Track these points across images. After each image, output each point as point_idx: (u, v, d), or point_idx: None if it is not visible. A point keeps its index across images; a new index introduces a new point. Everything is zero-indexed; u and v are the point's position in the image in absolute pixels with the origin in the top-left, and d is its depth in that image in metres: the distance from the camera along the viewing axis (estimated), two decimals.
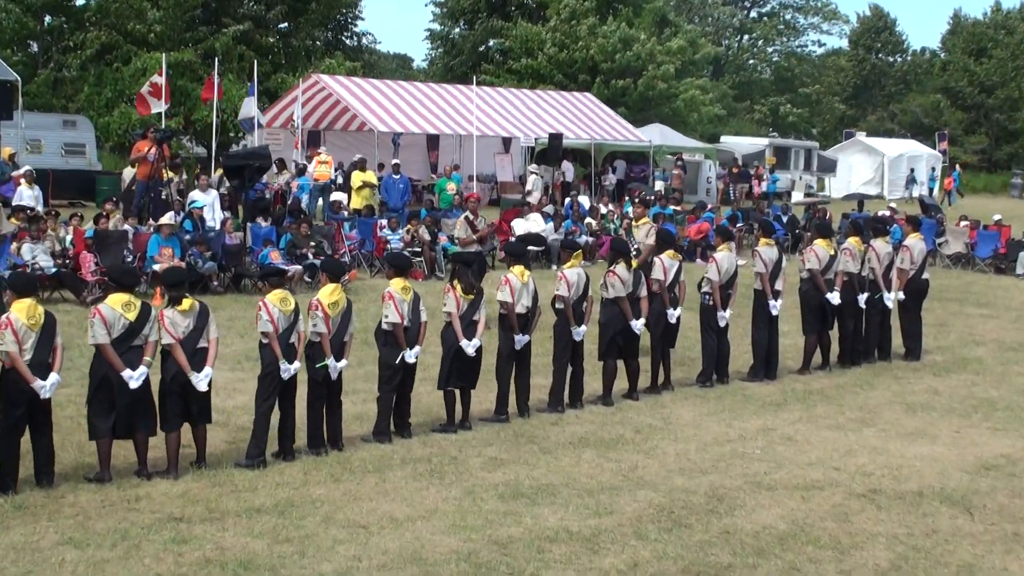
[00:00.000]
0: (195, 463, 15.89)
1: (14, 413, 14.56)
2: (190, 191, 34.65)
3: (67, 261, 27.76)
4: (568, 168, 54.94)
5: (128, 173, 36.58)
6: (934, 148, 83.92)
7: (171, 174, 35.22)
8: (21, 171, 35.66)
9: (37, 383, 14.49)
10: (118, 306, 15.07)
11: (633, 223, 25.06)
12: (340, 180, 43.29)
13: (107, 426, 15.01)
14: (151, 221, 30.78)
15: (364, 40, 76.46)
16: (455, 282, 18.24)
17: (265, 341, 16.22)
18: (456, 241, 28.24)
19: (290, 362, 16.21)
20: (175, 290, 15.81)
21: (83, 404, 15.72)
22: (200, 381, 15.57)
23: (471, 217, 27.68)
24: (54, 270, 27.08)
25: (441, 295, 18.60)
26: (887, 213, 38.53)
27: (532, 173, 48.73)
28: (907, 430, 19.37)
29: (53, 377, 14.69)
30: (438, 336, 18.34)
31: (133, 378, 14.93)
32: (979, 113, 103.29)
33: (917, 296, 24.94)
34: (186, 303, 15.66)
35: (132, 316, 15.05)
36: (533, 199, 44.78)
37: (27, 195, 32.76)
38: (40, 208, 32.03)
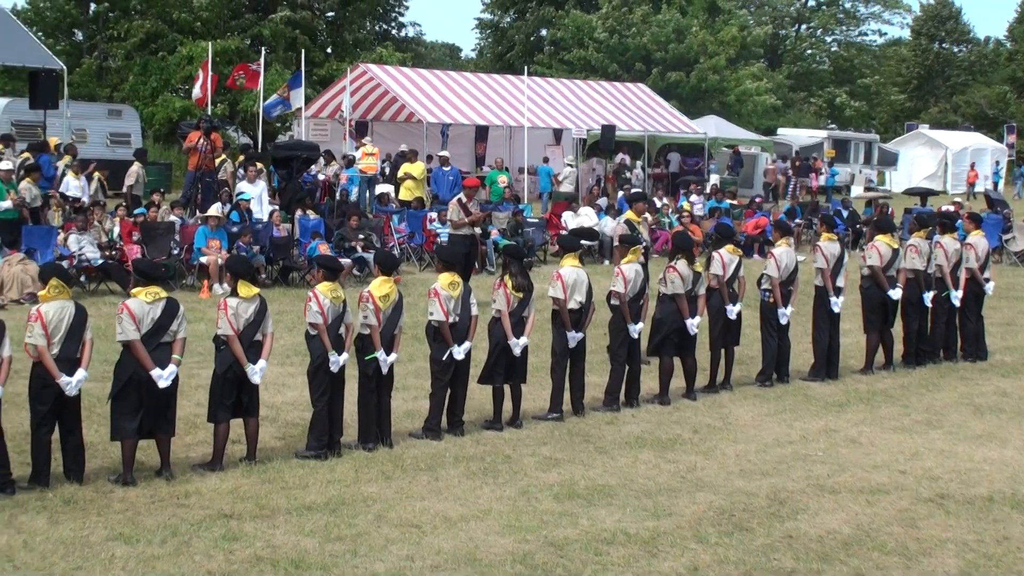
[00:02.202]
0: (245, 459, 15.95)
1: (40, 409, 14.65)
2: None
3: (113, 252, 27.89)
4: (624, 160, 54.81)
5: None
6: (999, 141, 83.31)
7: (224, 158, 35.46)
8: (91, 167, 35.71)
9: (63, 379, 14.53)
10: (147, 299, 15.11)
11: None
12: (387, 171, 43.39)
13: (132, 427, 14.99)
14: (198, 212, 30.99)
15: (412, 30, 76.53)
16: (506, 278, 18.22)
17: (313, 332, 16.31)
18: (449, 224, 28.17)
19: (338, 354, 16.27)
20: (241, 279, 15.82)
21: None
22: (255, 374, 15.64)
23: (464, 200, 27.61)
24: (100, 261, 27.23)
25: (491, 290, 18.59)
26: (951, 208, 38.28)
27: (567, 165, 48.75)
28: (975, 433, 19.21)
29: (80, 374, 14.73)
30: (486, 330, 18.37)
31: (163, 377, 14.94)
32: None
33: (977, 296, 24.75)
34: (250, 291, 15.73)
35: (158, 312, 15.08)
36: (563, 189, 44.88)
37: (74, 185, 32.88)
38: (86, 198, 32.14)
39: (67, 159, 34.59)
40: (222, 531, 13.43)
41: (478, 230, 28.18)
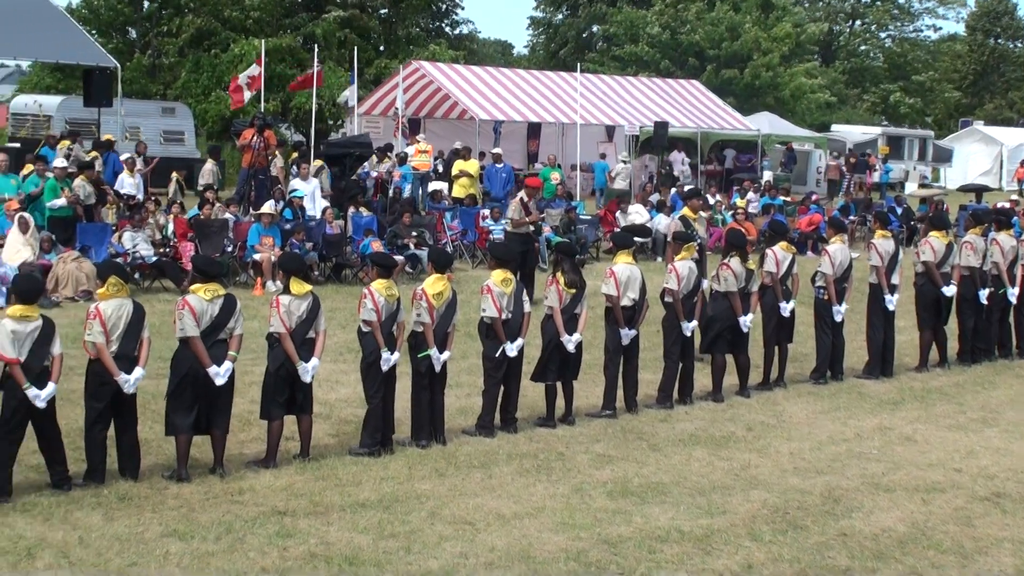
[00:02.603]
0: (298, 456, 16.00)
1: (96, 406, 14.72)
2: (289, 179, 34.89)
3: (167, 250, 28.01)
4: (677, 158, 54.70)
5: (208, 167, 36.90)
6: None
7: (278, 155, 35.62)
8: (123, 156, 35.80)
9: (121, 377, 14.60)
10: (205, 296, 15.16)
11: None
12: (440, 168, 43.42)
13: (187, 422, 15.05)
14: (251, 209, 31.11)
15: (465, 27, 76.51)
16: (558, 275, 18.22)
17: (367, 329, 16.33)
18: (507, 222, 28.16)
19: (391, 351, 16.30)
20: (293, 276, 15.88)
21: None
22: (307, 371, 15.68)
23: (526, 200, 27.61)
24: (154, 259, 27.34)
25: (544, 286, 18.60)
26: (1007, 205, 38.07)
27: (620, 161, 48.70)
28: None
29: (138, 372, 14.79)
30: (539, 328, 18.36)
31: (219, 375, 15.00)
32: None
33: None
34: (302, 288, 15.78)
35: (216, 309, 15.13)
36: (617, 186, 44.84)
37: (128, 183, 33.03)
38: (140, 195, 32.28)
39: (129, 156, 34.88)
40: (276, 528, 13.48)
41: (532, 228, 28.18)
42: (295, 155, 37.08)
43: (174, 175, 35.60)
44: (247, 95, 42.91)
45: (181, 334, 14.99)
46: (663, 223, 33.70)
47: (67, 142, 37.35)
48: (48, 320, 14.48)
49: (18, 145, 38.54)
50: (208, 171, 35.52)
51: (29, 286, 14.96)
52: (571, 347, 18.01)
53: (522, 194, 28.02)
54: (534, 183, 29.35)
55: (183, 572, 12.14)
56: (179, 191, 35.65)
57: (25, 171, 29.94)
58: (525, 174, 47.80)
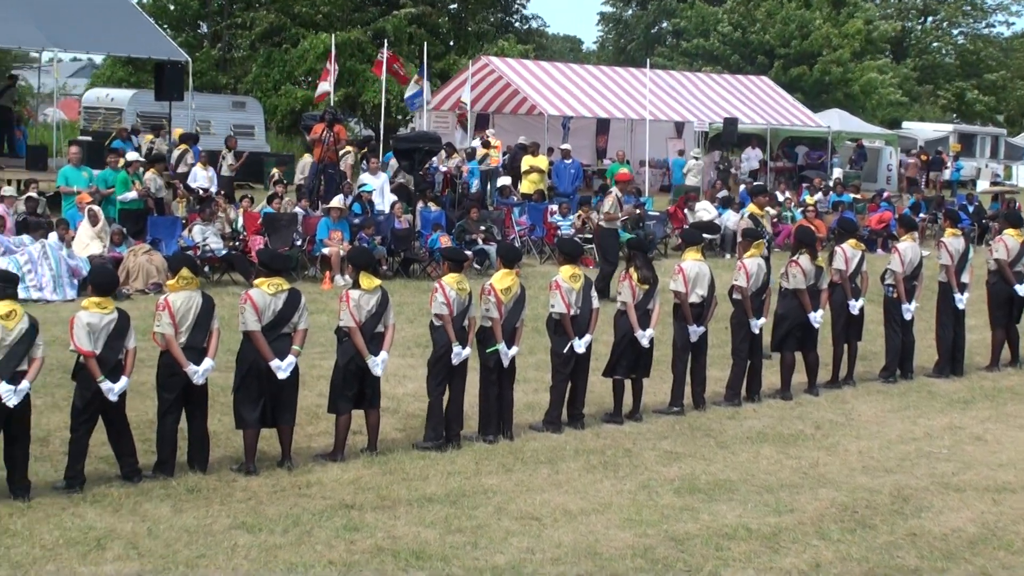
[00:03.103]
0: (366, 449, 16.07)
1: (167, 397, 14.85)
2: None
3: (237, 243, 28.14)
4: (752, 155, 54.57)
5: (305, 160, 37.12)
6: None
7: (350, 150, 35.74)
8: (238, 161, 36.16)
9: (190, 368, 14.71)
10: (269, 290, 15.24)
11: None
12: (507, 164, 43.44)
13: (254, 416, 15.13)
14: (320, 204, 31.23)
15: (534, 23, 76.39)
16: (631, 270, 18.21)
17: (438, 323, 16.39)
18: (601, 215, 28.16)
19: (462, 346, 16.34)
20: (363, 271, 15.94)
21: None
22: (376, 366, 15.73)
23: (620, 196, 27.73)
24: (224, 252, 27.48)
25: (616, 283, 18.60)
26: None
27: (692, 158, 48.67)
28: None
29: (207, 363, 14.90)
30: (611, 324, 18.33)
31: (281, 368, 15.06)
32: None
33: None
34: (371, 282, 15.85)
35: (280, 303, 15.20)
36: (689, 182, 44.80)
37: (202, 176, 33.20)
38: (214, 189, 32.45)
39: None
40: (343, 521, 13.54)
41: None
42: (364, 150, 37.10)
43: (274, 170, 35.72)
44: (321, 88, 43.24)
45: (243, 328, 15.10)
46: (731, 220, 33.64)
47: (150, 136, 37.88)
48: (123, 313, 14.61)
49: (90, 138, 38.71)
50: (304, 165, 35.41)
51: (105, 278, 15.14)
52: (645, 342, 18.02)
53: (615, 190, 28.14)
54: (626, 177, 29.50)
55: (251, 564, 12.21)
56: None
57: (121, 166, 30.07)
58: (594, 170, 48.07)
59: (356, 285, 15.93)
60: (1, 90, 45.06)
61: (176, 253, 20.28)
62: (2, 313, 13.70)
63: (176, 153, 34.80)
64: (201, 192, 31.57)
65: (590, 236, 32.34)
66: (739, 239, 22.18)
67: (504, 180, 39.22)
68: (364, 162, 35.62)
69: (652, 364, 18.58)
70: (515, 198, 37.82)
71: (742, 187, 42.81)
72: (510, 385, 17.21)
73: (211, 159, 35.26)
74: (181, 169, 34.21)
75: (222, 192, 32.36)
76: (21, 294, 18.29)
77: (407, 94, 44.06)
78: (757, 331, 19.63)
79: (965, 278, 22.10)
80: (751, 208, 23.89)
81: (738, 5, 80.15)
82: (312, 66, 54.88)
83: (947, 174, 62.20)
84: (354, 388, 15.80)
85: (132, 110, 45.75)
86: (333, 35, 48.47)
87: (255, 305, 15.02)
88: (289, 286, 15.48)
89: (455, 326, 16.32)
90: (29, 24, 37.26)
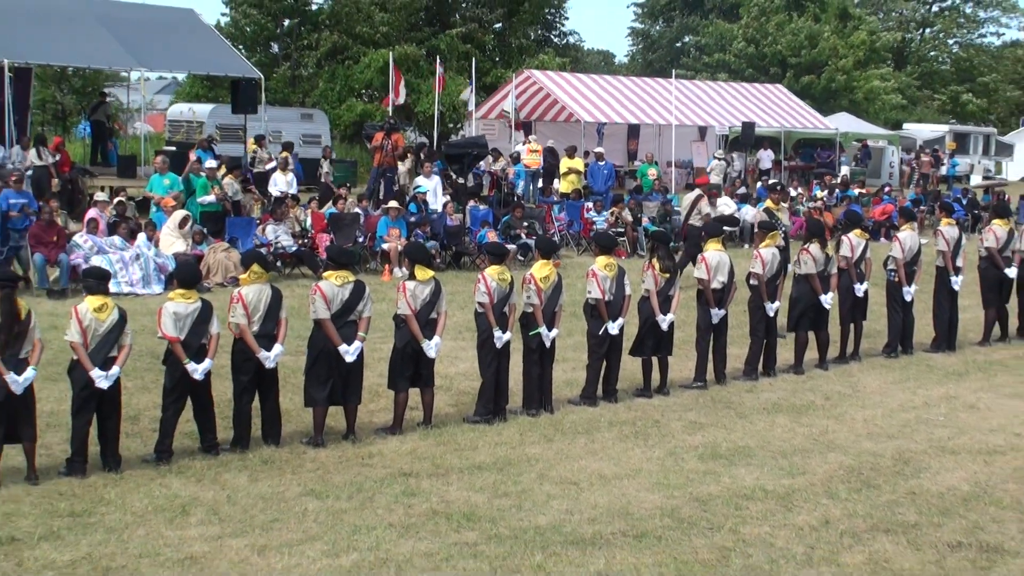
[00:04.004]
0: (422, 424, 16.11)
1: (242, 380, 14.93)
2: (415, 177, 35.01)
3: (306, 240, 28.24)
4: (765, 155, 54.40)
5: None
6: None
7: (407, 161, 35.82)
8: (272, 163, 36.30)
9: (262, 354, 14.81)
10: (337, 282, 15.29)
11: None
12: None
13: (323, 395, 15.21)
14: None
15: (571, 38, 76.36)
16: (654, 261, 18.24)
17: (480, 311, 16.43)
18: (701, 217, 28.03)
19: (503, 331, 16.36)
20: (418, 264, 16.00)
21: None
22: (430, 349, 15.78)
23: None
24: (294, 248, 27.60)
25: (641, 271, 18.61)
26: None
27: (715, 158, 48.57)
28: None
29: (277, 348, 14.97)
30: (636, 309, 18.33)
31: (349, 352, 15.14)
32: None
33: None
34: (425, 274, 15.91)
35: (346, 293, 15.25)
36: (712, 180, 44.73)
37: (282, 180, 33.31)
38: (293, 192, 32.53)
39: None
40: (402, 488, 13.58)
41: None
42: (419, 155, 37.14)
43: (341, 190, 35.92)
44: (396, 97, 43.44)
45: (314, 316, 15.18)
46: (749, 213, 33.53)
47: (254, 145, 38.32)
48: (207, 303, 14.73)
49: (174, 148, 38.88)
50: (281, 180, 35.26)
51: (188, 272, 15.31)
52: (664, 326, 18.02)
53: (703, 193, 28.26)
54: (705, 180, 29.71)
55: (319, 527, 12.24)
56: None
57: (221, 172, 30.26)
58: (625, 170, 47.95)
59: (412, 277, 15.97)
60: (94, 106, 45.40)
61: (248, 251, 20.34)
62: (95, 306, 13.82)
63: (282, 158, 34.98)
64: (279, 195, 31.67)
65: (622, 230, 32.39)
66: (755, 230, 22.10)
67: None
68: (419, 167, 35.60)
69: (676, 344, 18.56)
70: (555, 197, 37.83)
71: (759, 184, 42.74)
72: (550, 364, 17.22)
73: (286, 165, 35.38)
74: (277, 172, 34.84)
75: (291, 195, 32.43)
76: (113, 289, 18.42)
77: (468, 102, 44.33)
78: (772, 313, 19.61)
79: (959, 263, 22.07)
80: (768, 203, 23.87)
81: (752, 20, 80.00)
82: (371, 80, 54.93)
83: (944, 170, 61.97)
84: (411, 369, 15.87)
85: (211, 123, 45.79)
86: (391, 51, 48.63)
87: (324, 296, 15.09)
88: (354, 278, 15.53)
89: (495, 312, 16.35)
90: (119, 47, 37.40)
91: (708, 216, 27.12)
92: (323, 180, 37.53)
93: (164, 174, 29.26)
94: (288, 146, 38.24)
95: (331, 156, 39.00)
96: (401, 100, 42.75)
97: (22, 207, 25.09)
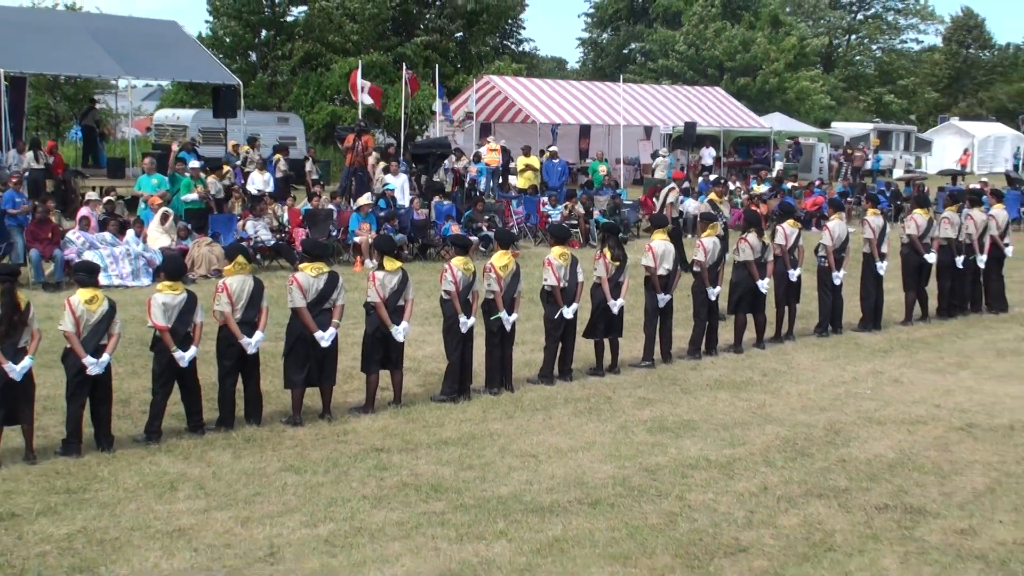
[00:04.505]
0: (392, 403, 16.07)
1: (226, 364, 14.87)
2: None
3: (283, 235, 28.20)
4: (706, 152, 54.53)
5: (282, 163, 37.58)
6: (1017, 129, 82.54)
7: (378, 159, 35.71)
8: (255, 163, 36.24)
9: (244, 339, 14.75)
10: (312, 273, 15.24)
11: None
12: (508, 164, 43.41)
13: (300, 377, 15.17)
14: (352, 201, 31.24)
15: (526, 46, 76.34)
16: (605, 250, 18.24)
17: (447, 298, 16.41)
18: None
19: (467, 316, 16.33)
20: (386, 255, 15.97)
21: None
22: (399, 333, 15.74)
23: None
24: (272, 242, 27.55)
25: (593, 260, 18.61)
26: (978, 186, 37.72)
27: (660, 155, 48.68)
28: (998, 372, 19.05)
29: (258, 335, 14.92)
30: (589, 295, 18.33)
31: (324, 338, 15.09)
32: None
33: (998, 259, 24.45)
34: (394, 264, 15.86)
35: (321, 283, 15.21)
36: (657, 176, 44.74)
37: (259, 180, 33.24)
38: (270, 190, 32.48)
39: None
40: (374, 462, 13.55)
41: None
42: (376, 154, 37.09)
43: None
44: (365, 98, 43.37)
45: (291, 304, 15.12)
46: (691, 206, 33.53)
47: (247, 147, 38.86)
48: (192, 294, 14.66)
49: (159, 151, 38.77)
50: (259, 179, 34.91)
51: (175, 265, 15.21)
52: (615, 309, 18.02)
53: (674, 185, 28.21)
54: (679, 175, 29.75)
55: (298, 500, 12.21)
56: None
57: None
58: (578, 167, 47.88)
59: (381, 267, 15.95)
60: (84, 112, 45.20)
61: (232, 244, 20.30)
62: (86, 298, 13.76)
63: (260, 159, 35.02)
64: (257, 193, 31.55)
65: (575, 222, 32.39)
66: (698, 221, 22.13)
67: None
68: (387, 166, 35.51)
69: (625, 326, 18.56)
70: (513, 192, 37.81)
71: (700, 179, 42.80)
72: (510, 346, 17.19)
73: (265, 165, 35.26)
74: (279, 174, 35.61)
75: (269, 193, 32.31)
76: (104, 281, 18.41)
77: (437, 109, 44.28)
78: (714, 297, 19.63)
79: (884, 249, 22.12)
80: (712, 196, 23.87)
81: (692, 28, 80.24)
82: (341, 86, 54.80)
83: (868, 164, 62.26)
84: (381, 352, 15.82)
85: (195, 127, 45.78)
86: (360, 58, 48.52)
87: (301, 286, 15.05)
88: (329, 269, 15.48)
89: (460, 299, 16.33)
90: (108, 57, 37.30)
91: (670, 206, 27.15)
92: (309, 178, 37.36)
93: (152, 174, 29.31)
94: (281, 149, 38.39)
95: (313, 156, 38.89)
96: (369, 102, 42.56)
97: (23, 207, 24.98)
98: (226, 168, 33.39)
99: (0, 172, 32.10)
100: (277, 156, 37.30)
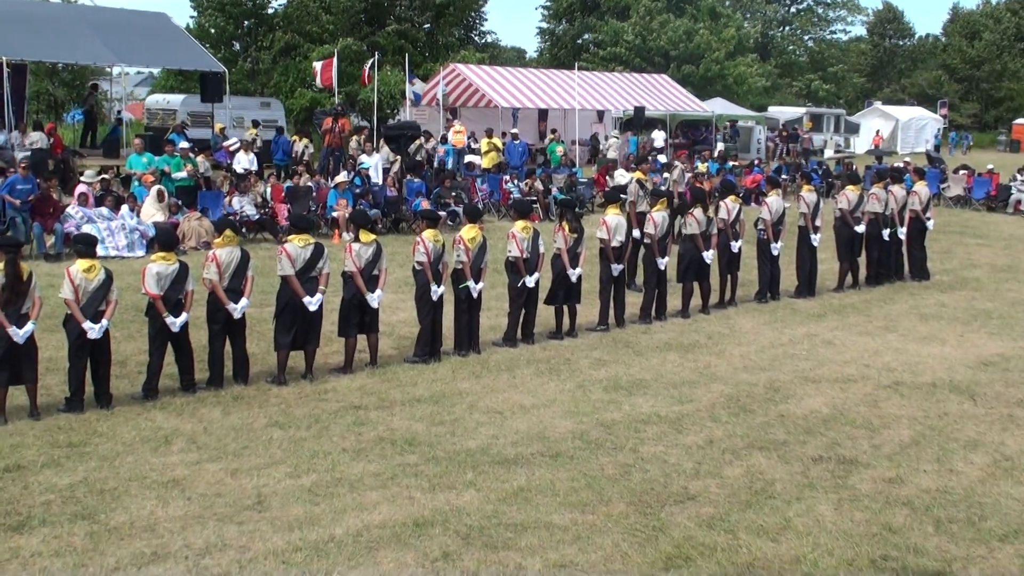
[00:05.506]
0: (369, 364, 16.00)
1: (215, 328, 14.80)
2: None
3: (266, 210, 28.07)
4: (658, 135, 54.51)
5: (300, 145, 37.34)
6: (935, 113, 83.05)
7: (360, 141, 35.59)
8: (230, 142, 36.07)
9: (231, 305, 14.69)
10: (300, 244, 15.15)
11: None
12: (473, 145, 43.30)
13: (287, 340, 15.11)
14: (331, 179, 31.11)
15: (489, 37, 76.09)
16: (563, 223, 18.19)
17: (419, 268, 16.34)
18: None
19: (438, 285, 16.27)
20: (362, 228, 15.90)
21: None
22: (374, 300, 15.68)
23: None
24: (256, 217, 27.43)
25: (552, 233, 18.56)
26: (901, 165, 37.86)
27: (612, 137, 48.63)
28: (921, 335, 19.12)
29: (243, 302, 14.84)
30: (550, 265, 18.29)
31: (312, 303, 15.05)
32: (971, 84, 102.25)
33: (921, 231, 24.55)
34: (368, 237, 15.78)
35: (308, 254, 15.13)
36: (609, 155, 44.67)
37: (245, 160, 33.06)
38: (254, 168, 32.32)
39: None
40: (353, 418, 13.52)
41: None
42: (362, 136, 36.87)
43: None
44: (321, 80, 43.54)
45: (280, 273, 15.06)
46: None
47: (254, 130, 39.56)
48: (184, 264, 14.57)
49: (152, 133, 38.54)
50: (244, 159, 34.84)
51: (168, 237, 15.08)
52: (574, 278, 17.98)
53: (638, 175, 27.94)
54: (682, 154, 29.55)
55: (283, 453, 12.17)
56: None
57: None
58: (537, 148, 47.84)
59: (357, 239, 15.87)
60: (85, 97, 44.87)
61: (221, 218, 20.19)
62: (84, 268, 13.67)
63: (246, 140, 35.00)
64: (243, 171, 31.37)
65: (535, 198, 32.32)
66: (648, 198, 22.07)
67: (471, 157, 39.14)
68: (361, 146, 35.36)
69: (582, 294, 18.53)
70: (478, 171, 37.73)
71: (649, 158, 42.73)
72: (477, 312, 17.13)
73: (251, 146, 35.03)
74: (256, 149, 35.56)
75: (255, 171, 32.15)
76: (101, 253, 18.25)
77: (408, 94, 44.17)
78: (663, 267, 19.61)
79: (818, 222, 22.19)
80: (637, 174, 23.59)
81: (640, 19, 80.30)
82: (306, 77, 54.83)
83: (815, 145, 62.49)
84: (357, 318, 15.76)
85: (183, 110, 45.49)
86: (336, 46, 48.32)
87: (289, 256, 14.99)
88: (314, 241, 15.40)
89: (432, 270, 16.28)
90: (102, 46, 37.10)
91: (675, 183, 26.94)
92: (301, 159, 36.89)
93: (141, 153, 29.35)
94: (280, 130, 38.59)
95: (309, 138, 38.80)
96: (325, 84, 42.72)
97: (28, 191, 24.69)
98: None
99: (4, 153, 31.89)
100: (252, 131, 37.06)
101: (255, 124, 40.09)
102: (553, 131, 47.31)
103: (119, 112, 42.83)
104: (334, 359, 16.28)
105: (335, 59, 42.07)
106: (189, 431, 12.94)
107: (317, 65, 43.95)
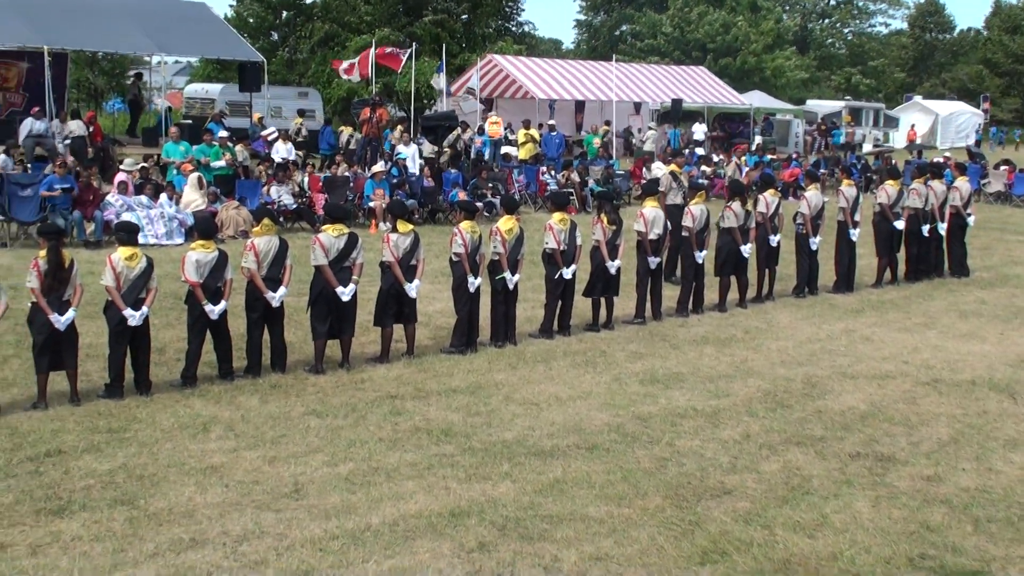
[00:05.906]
0: (405, 354, 16.06)
1: (253, 316, 14.84)
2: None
3: (304, 199, 28.15)
4: (699, 128, 54.38)
5: (345, 134, 37.33)
6: (977, 108, 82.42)
7: (400, 131, 35.67)
8: (268, 131, 36.21)
9: (269, 294, 14.73)
10: (334, 234, 15.20)
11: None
12: (510, 136, 43.34)
13: (323, 329, 15.16)
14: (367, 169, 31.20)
15: (526, 28, 76.16)
16: (602, 215, 18.19)
17: (456, 259, 16.36)
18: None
19: (474, 276, 16.30)
20: (399, 219, 15.95)
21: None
22: (411, 290, 15.74)
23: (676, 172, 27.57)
24: (294, 206, 27.52)
25: (590, 225, 18.55)
26: (941, 160, 37.66)
27: (649, 128, 48.55)
28: (961, 332, 19.01)
29: (282, 290, 14.88)
30: (587, 257, 18.29)
31: (345, 293, 15.08)
32: (1013, 79, 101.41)
33: (961, 227, 24.43)
34: (406, 227, 15.84)
35: (342, 244, 15.18)
36: (646, 148, 44.58)
37: (283, 148, 33.19)
38: (292, 158, 32.45)
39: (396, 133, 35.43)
40: (389, 408, 13.56)
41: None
42: (400, 127, 36.92)
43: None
44: (347, 76, 43.80)
45: (314, 262, 15.12)
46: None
47: (300, 120, 40.01)
48: (223, 252, 14.63)
49: (190, 122, 38.78)
50: (282, 148, 34.95)
51: (207, 226, 15.15)
52: (612, 270, 17.98)
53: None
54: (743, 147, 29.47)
55: (320, 441, 12.22)
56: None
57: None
58: (573, 140, 47.81)
59: (394, 230, 15.93)
60: (129, 86, 45.21)
61: (259, 207, 20.25)
62: (126, 256, 13.74)
63: (284, 130, 35.28)
64: (281, 161, 31.49)
65: (572, 190, 32.33)
66: (688, 191, 22.05)
67: (507, 149, 39.17)
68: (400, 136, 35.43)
69: (620, 286, 18.52)
70: (514, 162, 37.76)
71: (687, 151, 42.66)
72: (514, 304, 17.15)
73: (287, 136, 35.15)
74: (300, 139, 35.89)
75: (292, 161, 32.25)
76: (141, 241, 18.32)
77: (436, 85, 44.24)
78: (701, 261, 19.60)
79: (857, 217, 22.09)
80: (672, 167, 23.56)
81: (678, 11, 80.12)
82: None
83: (841, 139, 62.07)
84: (395, 307, 15.82)
85: (222, 99, 45.74)
86: (373, 36, 48.41)
87: (323, 245, 15.03)
88: (348, 230, 15.43)
89: (469, 261, 16.31)
90: (142, 35, 37.36)
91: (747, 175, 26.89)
92: (349, 149, 36.93)
93: (178, 142, 29.57)
94: (328, 120, 38.66)
95: (355, 126, 38.94)
96: (356, 78, 43.02)
97: (65, 190, 24.72)
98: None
99: (45, 141, 32.13)
100: (299, 121, 37.19)
101: (300, 114, 40.50)
102: (607, 122, 47.12)
103: (164, 103, 43.02)
104: (370, 349, 16.33)
105: (372, 49, 42.14)
106: (227, 419, 13.02)
107: (343, 65, 44.13)
